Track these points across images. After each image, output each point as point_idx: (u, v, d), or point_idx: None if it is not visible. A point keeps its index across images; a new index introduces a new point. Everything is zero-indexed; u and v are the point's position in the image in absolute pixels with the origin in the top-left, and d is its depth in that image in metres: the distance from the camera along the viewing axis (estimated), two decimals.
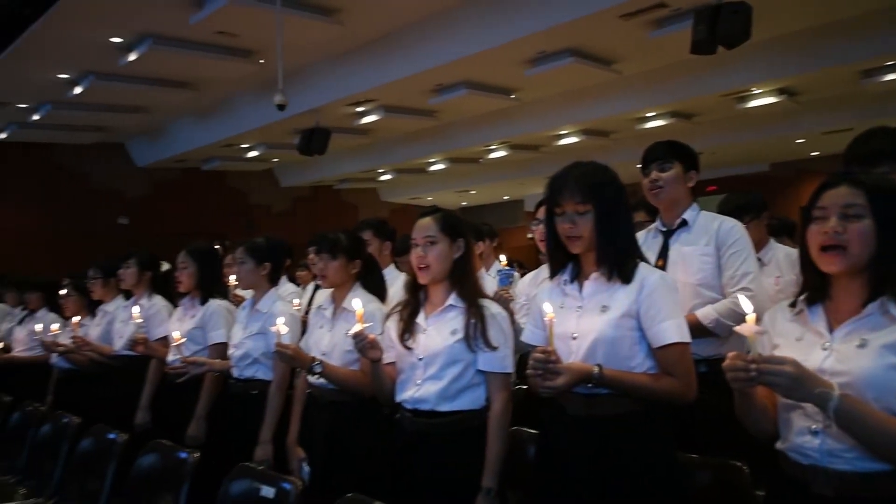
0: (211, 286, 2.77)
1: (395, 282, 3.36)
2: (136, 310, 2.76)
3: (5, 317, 4.39)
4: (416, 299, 1.86)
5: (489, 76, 7.72)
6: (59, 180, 11.08)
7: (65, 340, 3.23)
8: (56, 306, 3.77)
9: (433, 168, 12.64)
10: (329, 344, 2.17)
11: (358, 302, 1.82)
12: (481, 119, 9.67)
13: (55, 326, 3.27)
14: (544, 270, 2.43)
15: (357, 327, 1.72)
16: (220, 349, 2.63)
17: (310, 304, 3.29)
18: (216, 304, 2.72)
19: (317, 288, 3.17)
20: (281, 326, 1.96)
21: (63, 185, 11.11)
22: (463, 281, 1.80)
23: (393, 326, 1.87)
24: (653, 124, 9.38)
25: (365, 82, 7.77)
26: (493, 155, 11.47)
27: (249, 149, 11.09)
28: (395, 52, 7.20)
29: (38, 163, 10.81)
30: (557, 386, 1.44)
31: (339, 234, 2.26)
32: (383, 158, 11.95)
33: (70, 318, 3.43)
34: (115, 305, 3.36)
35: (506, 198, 16.15)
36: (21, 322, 3.84)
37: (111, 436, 2.37)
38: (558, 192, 1.60)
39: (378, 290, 2.31)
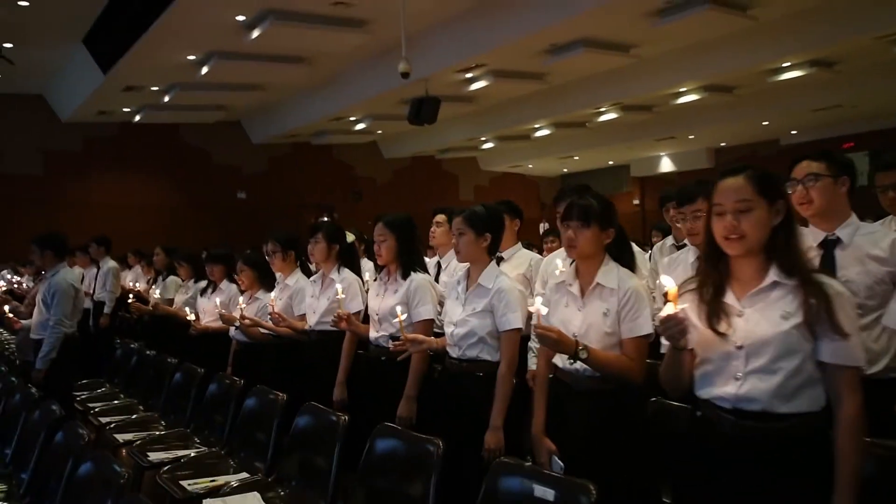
0: (411, 259, 2.60)
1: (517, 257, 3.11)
2: (339, 286, 2.65)
3: (178, 289, 4.61)
4: (718, 275, 1.52)
5: (610, 31, 7.28)
6: (185, 158, 11.82)
7: (249, 314, 3.26)
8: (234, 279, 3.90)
9: (537, 134, 12.29)
10: (582, 324, 1.92)
11: (670, 280, 1.46)
12: (592, 80, 9.20)
13: (241, 300, 3.29)
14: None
15: (669, 309, 1.40)
16: (427, 326, 2.50)
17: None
18: (420, 278, 2.56)
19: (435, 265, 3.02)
20: (540, 307, 1.72)
21: (189, 163, 11.85)
22: (786, 252, 1.45)
23: (690, 308, 1.52)
24: (788, 76, 8.53)
25: (478, 47, 7.58)
26: (602, 118, 10.95)
27: (357, 121, 11.26)
28: (509, 12, 6.94)
29: (167, 142, 11.57)
30: None
31: (591, 199, 1.97)
32: (487, 127, 11.75)
33: (245, 290, 3.52)
34: (295, 279, 3.32)
35: (611, 163, 15.49)
36: (203, 293, 3.97)
37: (332, 417, 2.25)
38: None
39: (630, 263, 2.02)
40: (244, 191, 12.44)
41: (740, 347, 1.45)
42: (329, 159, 13.42)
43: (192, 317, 3.67)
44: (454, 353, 2.29)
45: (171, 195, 11.70)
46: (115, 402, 3.78)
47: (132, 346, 4.30)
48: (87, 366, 4.49)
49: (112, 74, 8.29)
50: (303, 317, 3.18)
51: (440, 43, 7.77)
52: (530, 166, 15.70)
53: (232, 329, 3.44)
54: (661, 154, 14.63)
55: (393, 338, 2.49)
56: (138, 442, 2.88)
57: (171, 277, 4.69)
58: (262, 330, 3.29)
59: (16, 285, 6.64)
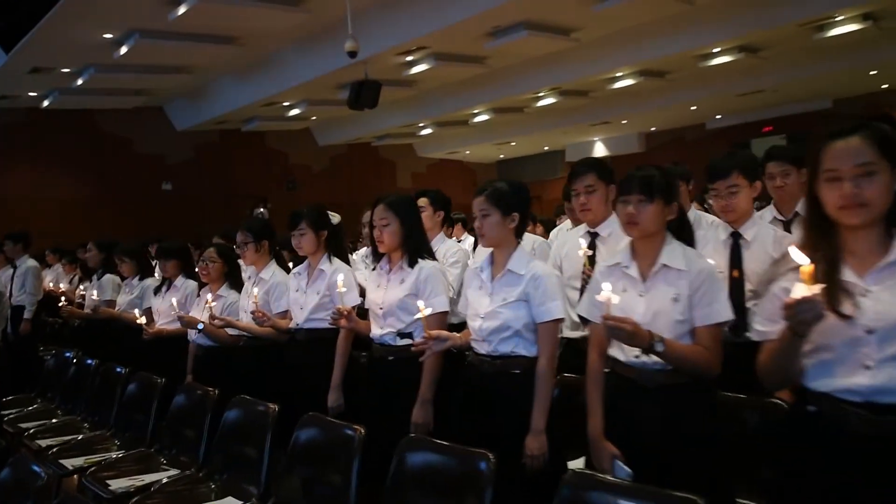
0: (419, 244, 2.33)
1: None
2: (340, 278, 2.27)
3: (119, 289, 4.06)
4: (830, 248, 1.33)
5: (553, 14, 7.26)
6: (102, 147, 10.93)
7: (215, 313, 2.87)
8: (192, 273, 3.43)
9: (476, 119, 12.22)
10: (647, 312, 1.70)
11: (801, 255, 1.23)
12: (532, 64, 9.21)
13: (209, 297, 2.91)
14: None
15: (802, 290, 1.19)
16: (442, 319, 2.26)
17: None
18: (431, 265, 2.30)
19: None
20: (612, 295, 1.51)
21: (106, 152, 10.97)
22: None
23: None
24: (717, 61, 8.84)
25: (419, 28, 7.37)
26: (541, 103, 11.01)
27: (291, 107, 10.78)
28: None
29: (82, 129, 10.65)
30: None
31: (654, 171, 1.77)
32: (425, 112, 11.57)
33: (206, 285, 3.14)
34: (271, 272, 2.95)
35: (546, 148, 15.69)
36: (157, 292, 3.51)
37: (348, 431, 1.94)
38: None
39: (691, 241, 1.82)
40: (169, 181, 11.68)
41: (871, 332, 1.27)
42: (261, 147, 12.82)
43: (142, 320, 3.24)
44: (483, 349, 2.02)
45: (88, 187, 10.81)
46: (53, 420, 3.30)
47: (67, 354, 3.80)
48: (4, 378, 3.99)
49: (16, 54, 7.49)
50: (283, 314, 2.87)
51: (381, 24, 7.51)
52: (468, 153, 15.65)
53: (193, 332, 3.04)
54: (595, 139, 14.95)
55: (401, 334, 2.25)
56: (91, 469, 2.45)
57: (108, 276, 4.18)
58: (231, 331, 2.94)
59: None
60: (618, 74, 9.73)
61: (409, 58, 8.50)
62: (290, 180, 13.24)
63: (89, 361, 3.51)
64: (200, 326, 2.93)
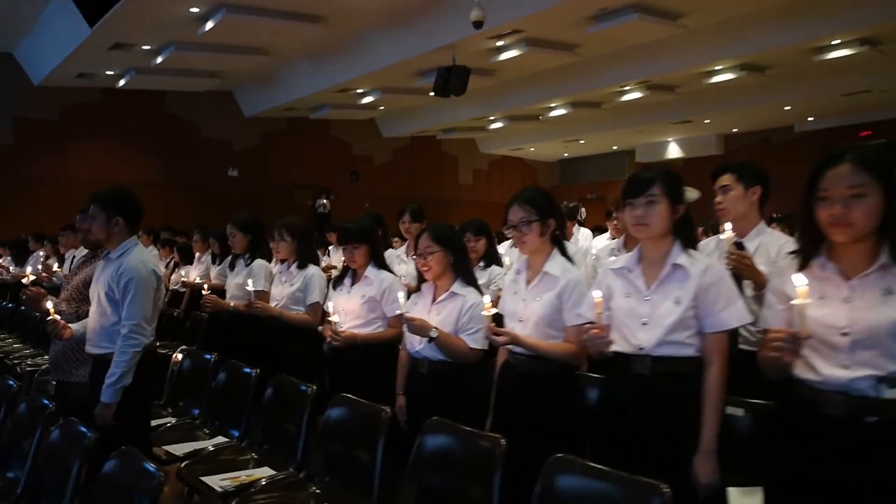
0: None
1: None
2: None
3: (269, 276, 3.34)
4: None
5: None
6: (172, 130, 10.75)
7: (448, 318, 2.14)
8: (383, 263, 2.69)
9: (551, 114, 11.65)
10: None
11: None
12: (623, 55, 8.60)
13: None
14: None
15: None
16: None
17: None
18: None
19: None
20: None
21: (176, 135, 10.79)
22: None
23: None
24: (835, 54, 8.11)
25: (520, 8, 6.86)
26: (625, 98, 10.38)
27: (364, 94, 10.39)
28: None
29: (151, 112, 10.48)
30: None
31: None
32: (500, 104, 11.02)
33: (427, 282, 2.30)
34: (559, 267, 1.98)
35: (614, 148, 15.02)
36: (337, 285, 2.70)
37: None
38: None
39: None
40: (236, 168, 11.43)
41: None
42: (325, 136, 12.51)
43: (335, 318, 2.50)
44: None
45: (154, 170, 10.63)
46: (210, 446, 2.50)
47: (206, 356, 3.03)
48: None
49: (99, 28, 7.25)
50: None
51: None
52: (532, 150, 15.10)
53: (417, 341, 2.24)
54: (669, 139, 14.23)
55: (894, 381, 1.35)
56: None
57: (259, 261, 3.43)
58: (474, 345, 2.20)
59: (44, 273, 4.92)
60: (717, 68, 9.07)
61: (500, 42, 8.00)
62: (354, 171, 12.91)
63: (247, 370, 2.70)
64: (435, 334, 2.16)
